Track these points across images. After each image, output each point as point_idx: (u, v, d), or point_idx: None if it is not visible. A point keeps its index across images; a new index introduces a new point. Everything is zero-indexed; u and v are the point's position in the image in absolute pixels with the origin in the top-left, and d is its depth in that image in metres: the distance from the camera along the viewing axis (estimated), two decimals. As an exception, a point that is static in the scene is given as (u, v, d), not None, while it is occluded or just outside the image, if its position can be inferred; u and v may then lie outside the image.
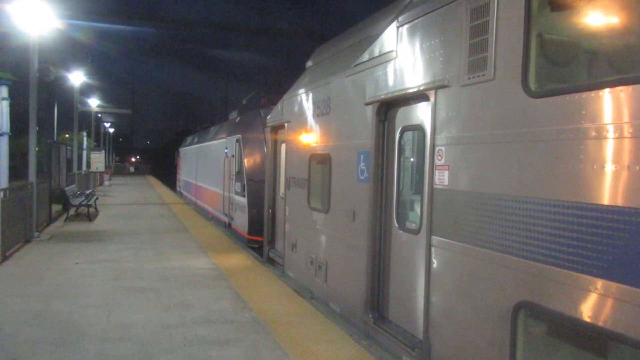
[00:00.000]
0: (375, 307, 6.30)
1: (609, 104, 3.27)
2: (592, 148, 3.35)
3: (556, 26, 4.10)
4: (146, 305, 7.54)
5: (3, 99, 12.59)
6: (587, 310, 3.35)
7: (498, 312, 4.10)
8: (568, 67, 4.08)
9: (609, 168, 3.23)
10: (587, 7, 3.78)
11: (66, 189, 19.09)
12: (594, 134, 3.34)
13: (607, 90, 3.27)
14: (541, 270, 3.69)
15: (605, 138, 3.26)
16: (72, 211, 18.06)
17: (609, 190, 3.25)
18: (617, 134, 3.20)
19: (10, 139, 13.05)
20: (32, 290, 8.23)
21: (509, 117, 4.07)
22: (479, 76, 4.40)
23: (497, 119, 4.22)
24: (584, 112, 3.41)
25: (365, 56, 6.63)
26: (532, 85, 3.90)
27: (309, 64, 9.78)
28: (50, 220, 16.63)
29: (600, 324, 3.27)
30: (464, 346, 4.55)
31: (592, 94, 3.36)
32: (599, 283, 3.27)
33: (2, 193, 11.00)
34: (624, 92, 3.18)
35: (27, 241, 12.70)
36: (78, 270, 9.77)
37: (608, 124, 3.26)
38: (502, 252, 4.07)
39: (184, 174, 32.20)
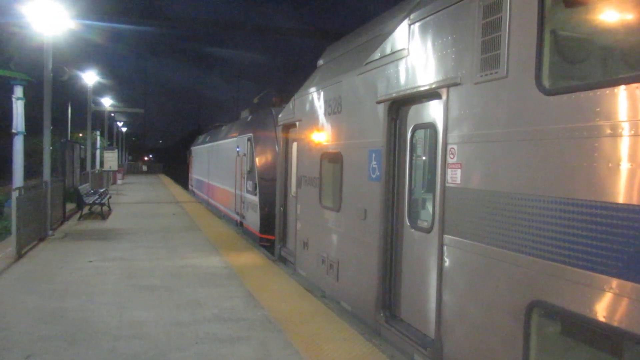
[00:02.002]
0: (387, 306, 6.28)
1: (624, 101, 3.22)
2: (607, 146, 3.31)
3: (570, 23, 4.05)
4: (158, 303, 7.60)
5: (18, 98, 12.72)
6: (601, 309, 3.31)
7: (511, 311, 4.07)
8: (582, 64, 4.03)
9: (625, 166, 3.19)
10: (601, 3, 3.73)
11: (80, 187, 19.29)
12: (608, 131, 3.29)
13: (622, 87, 3.23)
14: (555, 269, 3.65)
15: (621, 136, 3.22)
16: (85, 209, 18.23)
17: (624, 188, 3.20)
18: (632, 132, 3.16)
19: (25, 138, 13.19)
20: (46, 287, 8.32)
21: (522, 115, 4.03)
22: (491, 74, 4.36)
23: (510, 117, 4.18)
24: (598, 109, 3.37)
25: (377, 54, 6.61)
26: (546, 83, 3.86)
27: (320, 62, 9.77)
28: (64, 218, 16.81)
29: (615, 323, 3.23)
30: (476, 345, 4.52)
31: (607, 91, 3.32)
32: (614, 282, 3.22)
33: (17, 192, 11.13)
34: (639, 89, 3.13)
35: (42, 239, 12.85)
36: (91, 268, 9.86)
37: (623, 121, 3.21)
38: (515, 251, 4.03)
39: (196, 173, 32.38)
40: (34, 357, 5.52)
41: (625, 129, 3.19)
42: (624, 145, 3.21)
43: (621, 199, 3.20)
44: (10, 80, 12.70)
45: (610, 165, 3.28)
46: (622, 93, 3.23)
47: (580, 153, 3.48)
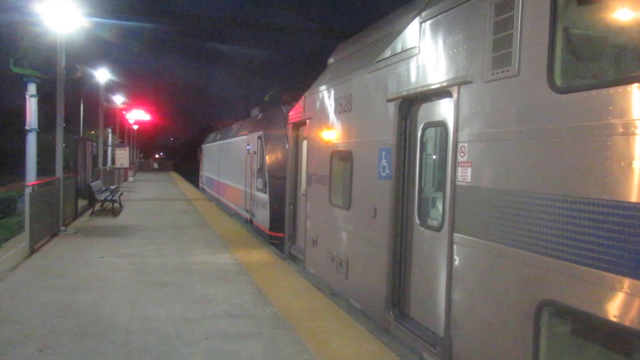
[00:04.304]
0: (396, 304, 6.28)
1: (637, 99, 3.20)
2: (620, 144, 3.29)
3: (583, 20, 4.02)
4: (169, 298, 7.66)
5: (31, 96, 12.86)
6: (613, 309, 3.30)
7: (521, 310, 4.05)
8: (595, 62, 4.00)
9: (637, 164, 3.17)
10: (614, 0, 3.70)
11: (92, 184, 19.45)
12: (621, 130, 3.27)
13: (635, 85, 3.21)
14: (566, 268, 3.63)
15: (633, 134, 3.20)
16: (97, 206, 18.40)
17: (636, 187, 3.18)
18: (645, 130, 3.13)
19: (38, 135, 13.33)
20: (58, 282, 8.42)
21: (534, 113, 4.01)
22: (503, 72, 4.35)
23: (521, 115, 4.16)
24: (611, 107, 3.35)
25: (388, 52, 6.61)
26: (558, 81, 3.84)
27: (331, 60, 9.78)
28: (76, 214, 16.96)
29: (626, 323, 3.22)
30: (486, 344, 4.52)
31: (620, 89, 3.30)
32: (626, 282, 3.21)
33: (30, 188, 11.26)
34: (653, 87, 3.11)
35: (54, 235, 12.99)
36: (103, 264, 9.95)
37: (636, 119, 3.19)
38: (525, 250, 4.02)
39: (206, 171, 32.53)
40: (47, 351, 5.60)
41: (638, 128, 3.17)
42: (637, 144, 3.19)
43: (634, 197, 3.18)
44: (23, 77, 12.85)
45: (622, 164, 3.26)
46: (635, 91, 3.21)
47: (592, 152, 3.46)
